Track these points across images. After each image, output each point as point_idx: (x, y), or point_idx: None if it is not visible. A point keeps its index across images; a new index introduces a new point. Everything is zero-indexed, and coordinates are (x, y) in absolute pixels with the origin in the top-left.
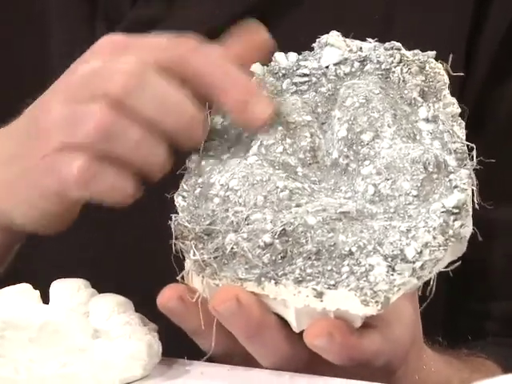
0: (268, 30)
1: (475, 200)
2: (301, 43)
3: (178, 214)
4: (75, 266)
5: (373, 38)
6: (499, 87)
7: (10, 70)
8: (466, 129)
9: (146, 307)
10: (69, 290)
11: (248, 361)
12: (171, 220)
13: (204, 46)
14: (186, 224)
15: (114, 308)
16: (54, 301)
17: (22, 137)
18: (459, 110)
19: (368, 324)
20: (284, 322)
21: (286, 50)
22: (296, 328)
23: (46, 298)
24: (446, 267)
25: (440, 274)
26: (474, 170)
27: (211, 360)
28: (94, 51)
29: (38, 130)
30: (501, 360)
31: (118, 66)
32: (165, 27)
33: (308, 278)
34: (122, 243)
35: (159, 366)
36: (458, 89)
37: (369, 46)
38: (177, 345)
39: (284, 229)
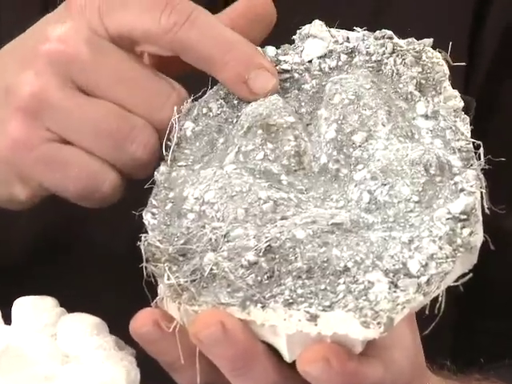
0: None
1: (485, 204)
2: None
3: (147, 233)
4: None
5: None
6: (506, 78)
7: None
8: (471, 125)
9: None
10: (34, 309)
11: None
12: (140, 241)
13: (196, 11)
14: (158, 244)
15: (85, 330)
16: (16, 321)
17: None
18: (462, 104)
19: (365, 353)
20: (274, 352)
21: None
22: (288, 358)
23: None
24: (456, 281)
25: (449, 289)
26: (481, 170)
27: None
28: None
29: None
30: None
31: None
32: None
33: (299, 299)
34: (102, 259)
35: None
36: (462, 82)
37: (357, 35)
38: (156, 371)
39: (269, 245)
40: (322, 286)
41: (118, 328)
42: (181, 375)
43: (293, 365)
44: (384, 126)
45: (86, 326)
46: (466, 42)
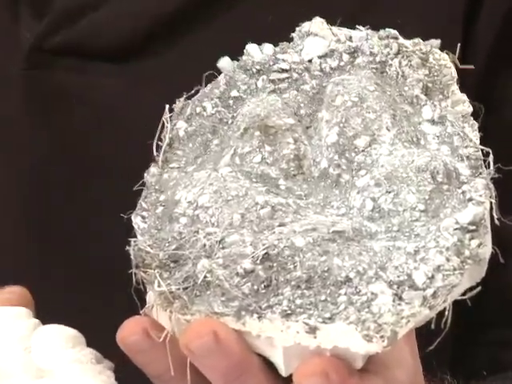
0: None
1: (494, 214)
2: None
3: (136, 237)
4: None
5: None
6: (503, 72)
7: None
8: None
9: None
10: (6, 319)
11: None
12: (130, 245)
13: None
14: (148, 249)
15: (61, 342)
16: None
17: None
18: (471, 109)
19: (365, 369)
20: (268, 365)
21: (237, 48)
22: (284, 371)
23: None
24: (463, 294)
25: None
26: (491, 179)
27: None
28: None
29: None
30: None
31: None
32: (97, 18)
33: (298, 310)
34: (84, 270)
35: None
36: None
37: (360, 34)
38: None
39: (267, 252)
40: (322, 297)
41: (105, 337)
42: None
43: (288, 379)
44: (389, 130)
45: (62, 339)
46: (460, 36)
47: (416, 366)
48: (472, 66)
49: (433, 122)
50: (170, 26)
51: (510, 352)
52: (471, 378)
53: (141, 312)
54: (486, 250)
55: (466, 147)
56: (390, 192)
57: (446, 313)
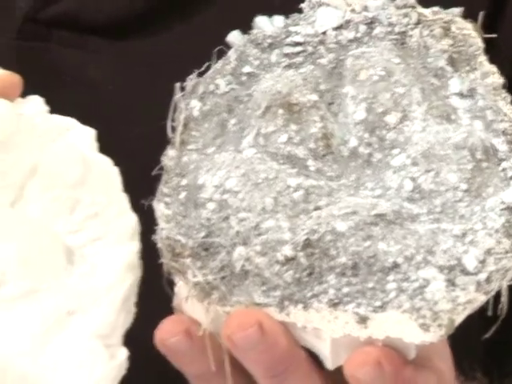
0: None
1: None
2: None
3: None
4: None
5: None
6: None
7: None
8: None
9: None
10: None
11: None
12: (155, 233)
13: None
14: (179, 237)
15: None
16: None
17: None
18: (502, 81)
19: (412, 360)
20: (312, 357)
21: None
22: (330, 364)
23: None
24: None
25: None
26: None
27: None
28: None
29: None
30: None
31: None
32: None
33: (346, 299)
34: None
35: None
36: None
37: (375, 3)
38: None
39: (307, 238)
40: (370, 285)
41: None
42: None
43: (335, 374)
44: (419, 105)
45: None
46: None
47: (451, 359)
48: (495, 35)
49: (461, 95)
50: (171, 3)
51: None
52: (505, 377)
53: (174, 305)
54: None
55: (501, 121)
56: (429, 171)
57: (502, 299)
